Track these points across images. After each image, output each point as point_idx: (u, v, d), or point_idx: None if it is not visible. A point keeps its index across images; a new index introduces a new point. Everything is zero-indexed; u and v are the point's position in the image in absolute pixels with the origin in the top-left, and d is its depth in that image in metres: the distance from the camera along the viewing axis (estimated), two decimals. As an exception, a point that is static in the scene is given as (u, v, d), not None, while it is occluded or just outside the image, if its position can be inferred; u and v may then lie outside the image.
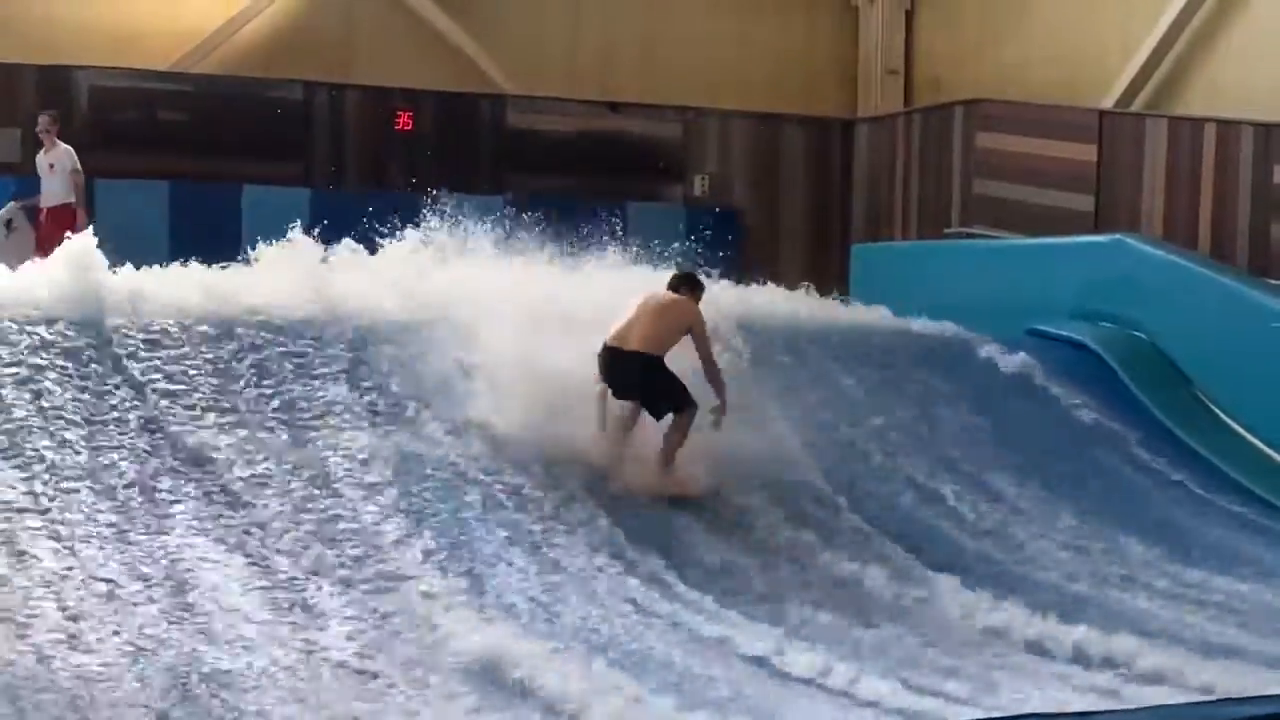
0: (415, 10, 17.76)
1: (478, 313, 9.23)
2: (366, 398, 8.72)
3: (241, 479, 7.76)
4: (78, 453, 7.58)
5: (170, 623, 6.52)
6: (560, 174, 16.90)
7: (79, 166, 12.89)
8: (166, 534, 7.21)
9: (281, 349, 8.86)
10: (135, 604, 6.62)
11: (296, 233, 9.79)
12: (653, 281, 9.47)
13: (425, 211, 10.38)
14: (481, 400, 8.82)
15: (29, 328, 8.30)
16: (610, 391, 8.79)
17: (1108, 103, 16.21)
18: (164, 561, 6.99)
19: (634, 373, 8.73)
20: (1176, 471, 10.92)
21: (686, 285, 9.18)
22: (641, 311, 8.87)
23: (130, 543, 7.07)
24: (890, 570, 8.39)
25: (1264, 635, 7.79)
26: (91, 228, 9.19)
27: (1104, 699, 6.57)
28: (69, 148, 12.95)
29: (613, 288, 9.60)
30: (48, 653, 6.12)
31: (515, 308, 9.21)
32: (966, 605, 7.97)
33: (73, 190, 12.79)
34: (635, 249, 10.60)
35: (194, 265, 9.66)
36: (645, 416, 8.80)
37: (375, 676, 6.33)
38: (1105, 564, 9.09)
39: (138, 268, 9.27)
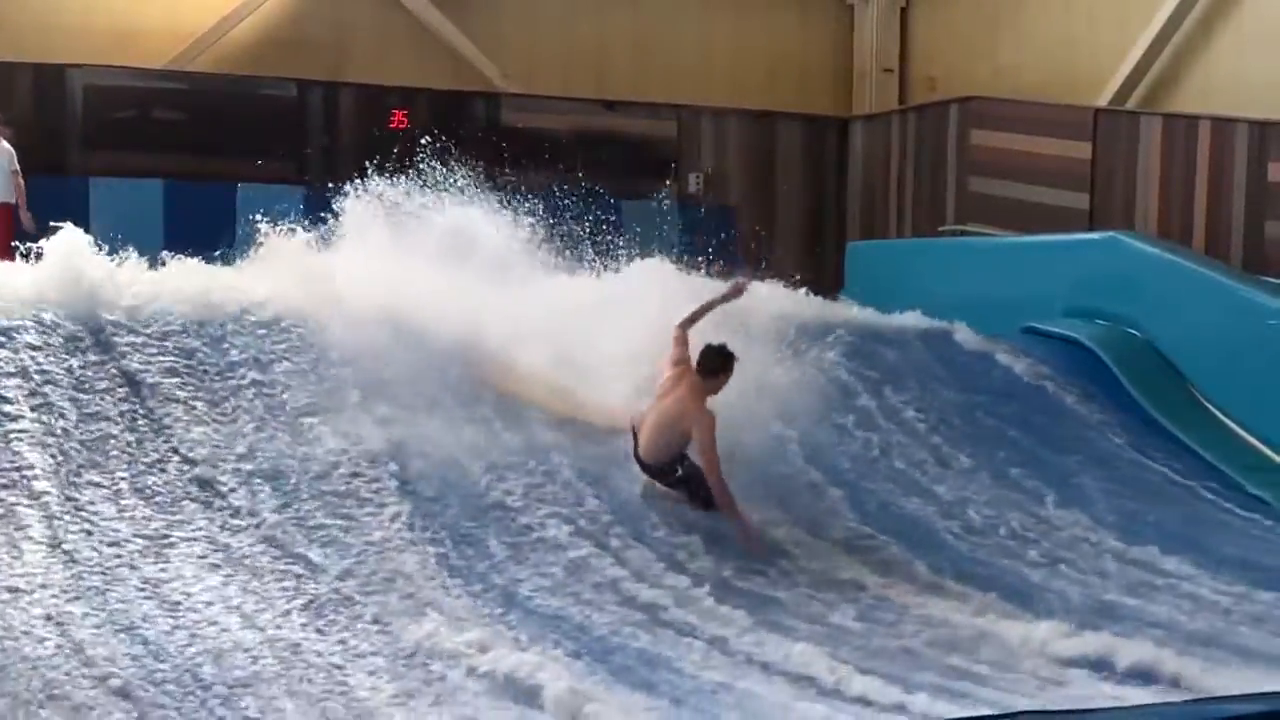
0: (410, 8, 17.77)
1: (475, 312, 9.23)
2: (364, 395, 8.70)
3: (237, 477, 7.76)
4: (70, 449, 7.58)
5: (162, 622, 6.50)
6: (555, 172, 16.89)
7: (18, 168, 12.94)
8: (160, 532, 7.22)
9: (277, 345, 8.86)
10: (127, 601, 6.61)
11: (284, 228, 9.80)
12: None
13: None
14: (480, 398, 8.82)
15: (22, 325, 8.31)
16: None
17: (1102, 100, 16.23)
18: (157, 560, 7.00)
19: (651, 471, 8.43)
20: (1172, 469, 10.93)
21: (711, 370, 8.32)
22: (653, 403, 8.38)
23: (122, 540, 7.07)
24: (885, 567, 8.39)
25: (1257, 632, 7.79)
26: (85, 226, 9.18)
27: (1098, 698, 6.57)
28: (10, 149, 12.99)
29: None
30: (37, 648, 6.11)
31: (509, 307, 9.21)
32: (960, 604, 7.95)
33: (14, 191, 12.86)
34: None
35: (188, 262, 9.65)
36: None
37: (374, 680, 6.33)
38: (1098, 562, 9.08)
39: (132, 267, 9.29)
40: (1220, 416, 11.87)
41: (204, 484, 7.66)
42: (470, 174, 10.51)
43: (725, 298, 8.97)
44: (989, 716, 5.96)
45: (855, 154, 18.93)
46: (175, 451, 7.83)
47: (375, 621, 6.77)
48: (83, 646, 6.15)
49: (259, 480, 7.79)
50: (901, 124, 18.37)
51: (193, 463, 7.79)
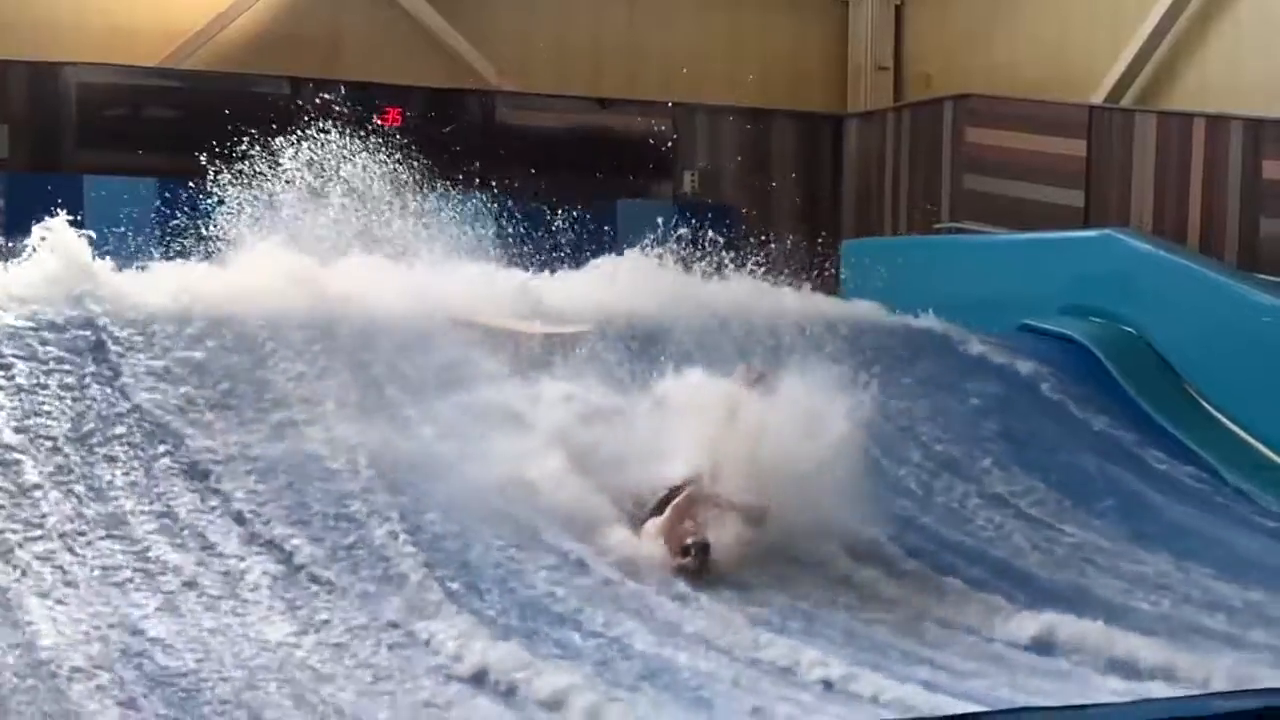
0: (404, 6, 17.76)
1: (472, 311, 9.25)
2: (361, 395, 8.69)
3: (232, 476, 7.75)
4: (63, 447, 7.57)
5: (155, 621, 6.50)
6: (550, 170, 16.88)
7: None
8: (154, 531, 7.21)
9: (272, 344, 8.85)
10: (120, 600, 6.60)
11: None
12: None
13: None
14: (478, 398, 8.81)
15: (13, 323, 8.30)
16: None
17: (1097, 98, 16.23)
18: (151, 560, 6.99)
19: None
20: (1167, 466, 10.92)
21: (683, 551, 7.92)
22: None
23: (115, 538, 7.07)
24: (880, 564, 8.39)
25: (1252, 629, 7.79)
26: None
27: (1095, 695, 6.57)
28: None
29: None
30: (31, 646, 6.10)
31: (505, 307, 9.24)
32: (955, 601, 7.96)
33: None
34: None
35: (183, 262, 9.66)
36: None
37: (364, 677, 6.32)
38: (1093, 558, 9.08)
39: (127, 264, 9.28)
40: (1215, 414, 11.87)
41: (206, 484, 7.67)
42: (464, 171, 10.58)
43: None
44: (989, 714, 5.96)
45: (850, 151, 18.91)
46: (173, 452, 7.84)
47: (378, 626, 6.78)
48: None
49: (259, 481, 7.81)
50: (896, 121, 18.36)
51: (183, 459, 7.78)
